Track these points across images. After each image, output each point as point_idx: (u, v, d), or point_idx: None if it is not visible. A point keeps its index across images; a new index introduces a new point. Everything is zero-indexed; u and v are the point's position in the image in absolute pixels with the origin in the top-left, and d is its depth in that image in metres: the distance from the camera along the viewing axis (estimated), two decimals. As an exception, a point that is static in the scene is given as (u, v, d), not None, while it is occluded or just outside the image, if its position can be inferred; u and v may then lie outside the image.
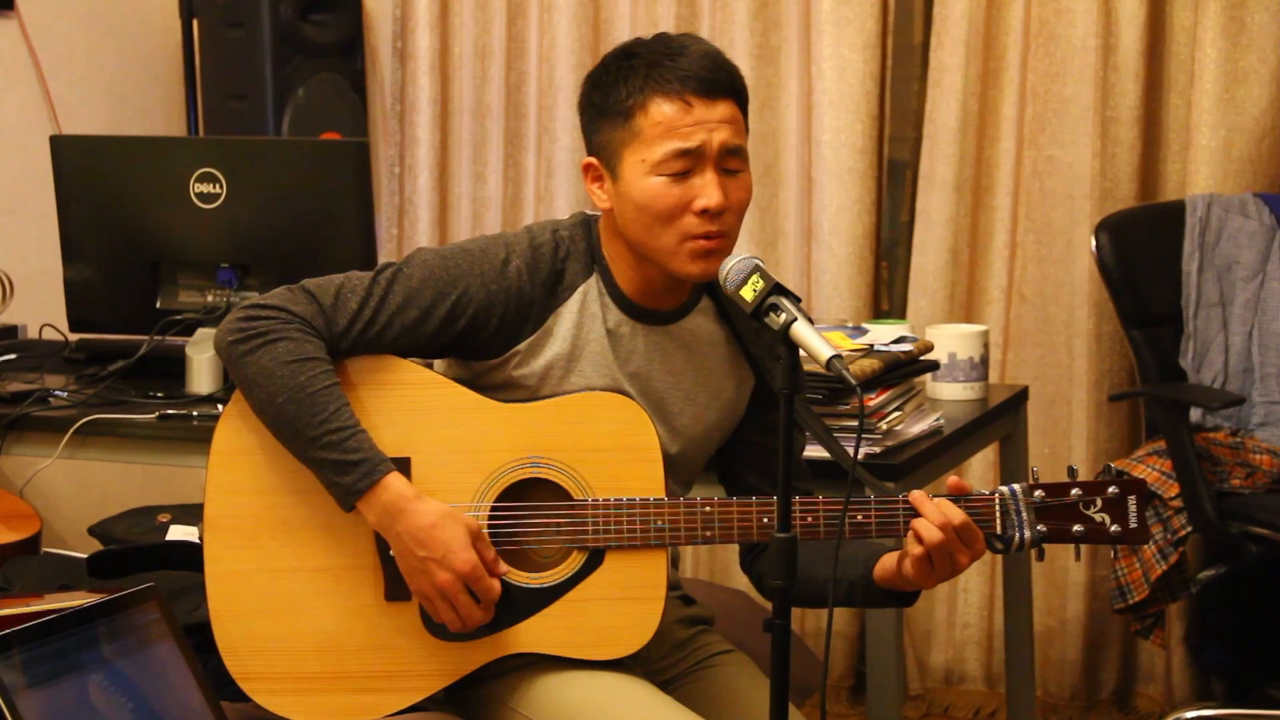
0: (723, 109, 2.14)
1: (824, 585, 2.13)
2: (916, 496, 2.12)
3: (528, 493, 2.20)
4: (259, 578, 2.21)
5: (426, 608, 2.17)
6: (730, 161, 2.16)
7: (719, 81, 2.15)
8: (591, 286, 2.23)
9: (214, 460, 2.22)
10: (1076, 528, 2.14)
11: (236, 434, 2.21)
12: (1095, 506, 2.14)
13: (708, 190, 2.13)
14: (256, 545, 2.21)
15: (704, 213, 2.13)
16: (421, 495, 2.14)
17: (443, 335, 2.18)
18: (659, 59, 2.15)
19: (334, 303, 2.17)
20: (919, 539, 2.09)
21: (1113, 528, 2.14)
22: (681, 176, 2.14)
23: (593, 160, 2.21)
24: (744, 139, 2.18)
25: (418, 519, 2.12)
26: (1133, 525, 2.14)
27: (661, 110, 2.13)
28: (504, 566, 2.17)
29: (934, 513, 2.09)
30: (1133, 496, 2.14)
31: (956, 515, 2.09)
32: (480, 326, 2.18)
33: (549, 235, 2.23)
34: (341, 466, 2.12)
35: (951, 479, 2.15)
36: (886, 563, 2.17)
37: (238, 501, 2.21)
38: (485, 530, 2.19)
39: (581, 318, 2.22)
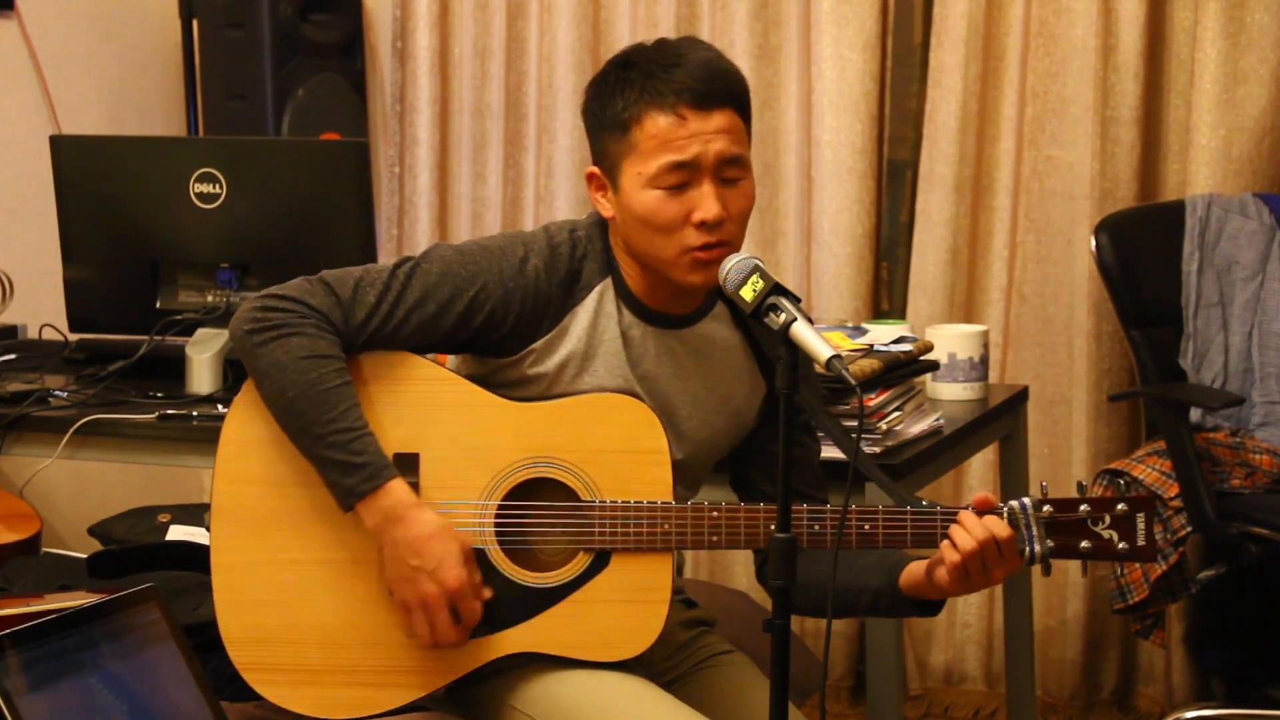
0: (719, 119, 2.14)
1: (843, 593, 2.15)
2: (952, 527, 2.12)
3: (535, 492, 2.20)
4: (265, 568, 2.21)
5: (404, 618, 2.16)
6: (729, 170, 2.15)
7: (714, 91, 2.14)
8: (607, 287, 2.23)
9: (223, 450, 2.22)
10: (1085, 544, 2.14)
11: (247, 424, 2.21)
12: (1104, 523, 2.14)
13: (705, 203, 2.13)
14: (263, 536, 2.21)
15: (702, 225, 2.13)
16: (422, 505, 2.14)
17: (460, 331, 2.19)
18: (655, 70, 2.14)
19: (352, 296, 2.17)
20: (956, 548, 2.09)
21: (1121, 545, 2.14)
22: (679, 190, 2.13)
23: (595, 170, 2.21)
24: (743, 147, 2.17)
25: (415, 528, 2.12)
26: (1140, 543, 2.14)
27: (656, 124, 2.13)
28: (487, 592, 2.17)
29: (976, 526, 2.09)
30: (1141, 514, 2.13)
31: (981, 533, 2.09)
32: (498, 323, 2.18)
33: (567, 235, 2.23)
34: (345, 467, 2.12)
35: (980, 496, 2.14)
36: (914, 570, 2.17)
37: (246, 492, 2.22)
38: (494, 538, 2.19)
39: (597, 317, 2.22)
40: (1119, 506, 2.14)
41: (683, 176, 2.13)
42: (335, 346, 2.15)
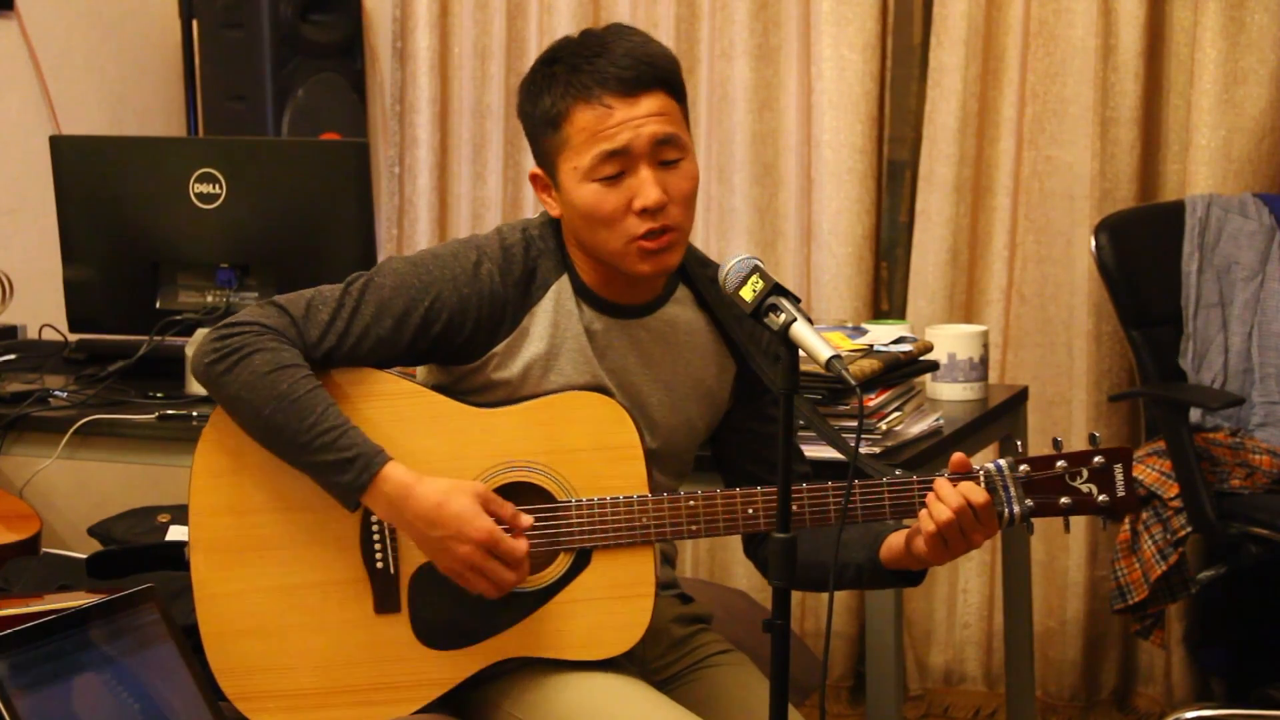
0: (648, 103, 2.12)
1: (826, 570, 2.13)
2: (928, 497, 2.11)
3: (511, 497, 2.18)
4: (248, 598, 2.20)
5: (459, 583, 2.15)
6: (665, 153, 2.14)
7: (640, 77, 2.12)
8: (565, 285, 2.22)
9: (196, 483, 2.21)
10: (1064, 500, 2.12)
11: (216, 456, 2.21)
12: (1082, 477, 2.12)
13: (644, 189, 2.12)
14: (244, 565, 2.20)
15: (644, 212, 2.12)
16: (422, 477, 2.12)
17: (419, 342, 2.18)
18: (578, 63, 2.13)
19: (305, 314, 2.16)
20: (932, 518, 2.09)
21: (1100, 497, 2.12)
22: (616, 180, 2.13)
23: (538, 171, 2.21)
24: (678, 127, 2.15)
25: (423, 502, 2.10)
26: (1120, 493, 2.12)
27: (584, 116, 2.12)
28: (526, 519, 2.14)
29: (951, 495, 2.09)
30: (1118, 465, 2.12)
31: (955, 501, 2.09)
32: (456, 331, 2.18)
33: (519, 235, 2.23)
34: (338, 466, 2.11)
35: (956, 455, 2.13)
36: (893, 543, 2.17)
37: (222, 523, 2.21)
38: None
39: (557, 316, 2.21)
40: (1095, 459, 2.12)
41: (618, 165, 2.12)
42: (298, 356, 2.14)
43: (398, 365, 2.22)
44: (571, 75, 2.13)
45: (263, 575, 2.20)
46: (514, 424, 2.19)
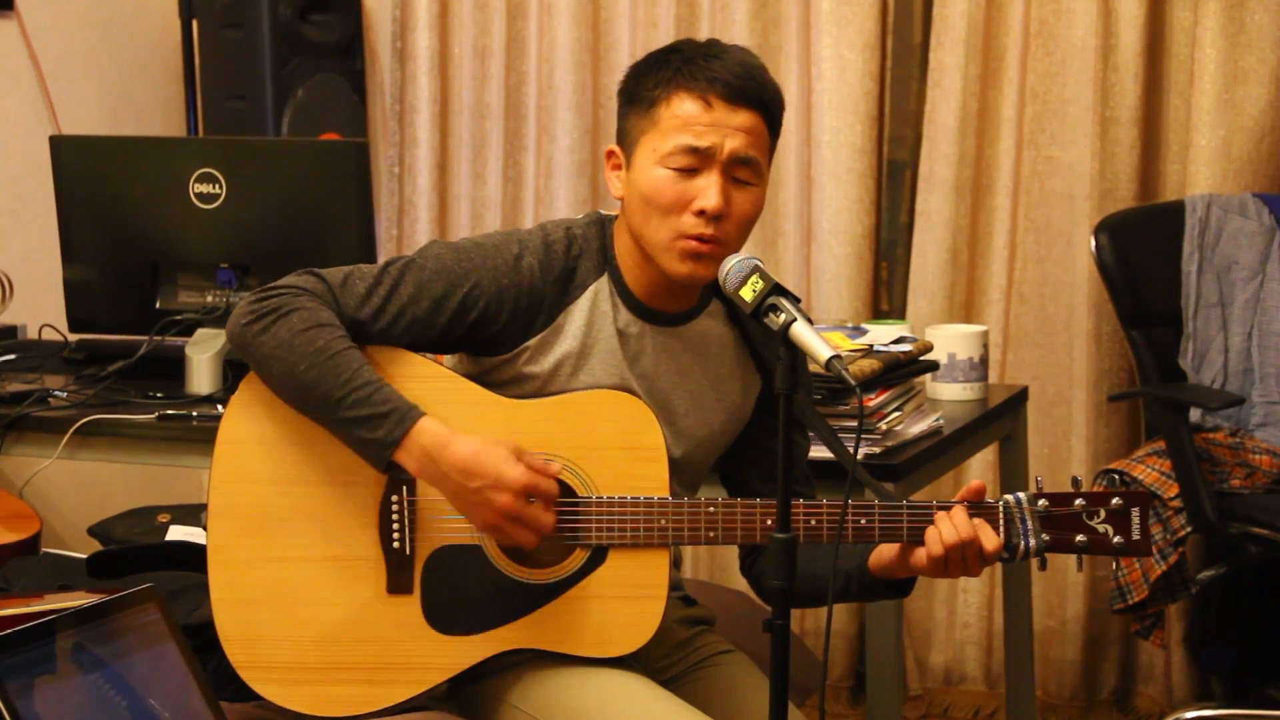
0: (744, 117, 2.15)
1: (820, 582, 2.14)
2: (939, 515, 2.12)
3: None
4: (262, 567, 2.21)
5: (496, 538, 2.15)
6: (741, 171, 2.16)
7: (746, 90, 2.15)
8: (603, 285, 2.23)
9: (220, 449, 2.22)
10: (1079, 538, 2.15)
11: (244, 422, 2.22)
12: (1099, 517, 2.15)
13: (708, 192, 2.13)
14: (261, 534, 2.21)
15: (701, 214, 2.13)
16: (455, 432, 2.11)
17: (454, 328, 2.19)
18: (695, 57, 2.17)
19: (342, 285, 2.17)
20: (941, 541, 2.10)
21: (1115, 539, 2.15)
22: (687, 173, 2.14)
23: (615, 147, 2.23)
24: (762, 154, 2.18)
25: (460, 452, 2.10)
26: (1135, 537, 2.15)
27: (682, 104, 2.15)
28: (556, 465, 2.14)
29: (964, 525, 2.10)
30: (1136, 508, 2.15)
31: (967, 531, 2.10)
32: (491, 320, 2.19)
33: (563, 233, 2.24)
34: (372, 421, 2.10)
35: (975, 484, 2.15)
36: (883, 552, 2.18)
37: (243, 490, 2.22)
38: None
39: (592, 316, 2.22)
40: (1114, 501, 2.15)
41: (694, 161, 2.14)
42: (334, 317, 2.15)
43: (429, 350, 2.23)
44: (684, 65, 2.16)
45: (278, 546, 2.21)
46: (540, 416, 2.20)
